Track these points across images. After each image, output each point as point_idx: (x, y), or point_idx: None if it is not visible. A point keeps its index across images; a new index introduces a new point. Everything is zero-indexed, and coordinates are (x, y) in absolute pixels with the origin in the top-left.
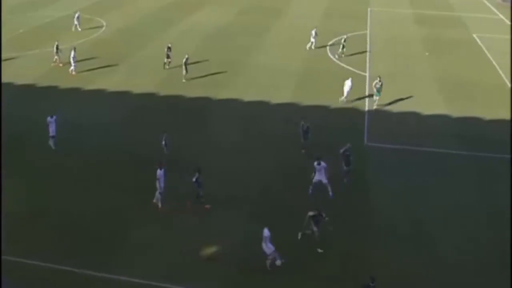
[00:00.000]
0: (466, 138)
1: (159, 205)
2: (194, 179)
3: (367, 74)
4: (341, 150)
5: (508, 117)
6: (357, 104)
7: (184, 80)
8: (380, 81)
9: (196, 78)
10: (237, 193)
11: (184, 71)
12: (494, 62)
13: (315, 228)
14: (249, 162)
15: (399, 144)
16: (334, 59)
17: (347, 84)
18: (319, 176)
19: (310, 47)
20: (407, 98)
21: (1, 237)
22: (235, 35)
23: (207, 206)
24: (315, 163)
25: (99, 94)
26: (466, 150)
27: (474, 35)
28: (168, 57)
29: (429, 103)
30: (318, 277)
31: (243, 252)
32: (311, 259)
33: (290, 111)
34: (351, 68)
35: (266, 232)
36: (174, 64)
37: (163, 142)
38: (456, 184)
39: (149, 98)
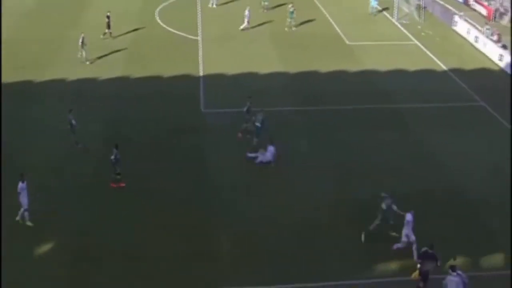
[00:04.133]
0: (302, 93)
1: (29, 223)
2: (112, 157)
3: (199, 38)
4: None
5: (344, 67)
6: (190, 70)
7: (87, 62)
8: (292, 6)
9: (15, 60)
10: (74, 183)
11: (82, 53)
12: (326, 14)
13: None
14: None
15: (236, 107)
16: (164, 25)
17: (246, 13)
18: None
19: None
20: (242, 59)
21: (1, 237)
22: (52, 10)
23: (123, 184)
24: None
25: None
26: (303, 105)
27: None
28: (108, 27)
29: (265, 61)
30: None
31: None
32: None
33: (121, 86)
34: (182, 33)
35: (409, 216)
36: None
37: (72, 122)
38: (295, 141)
39: None
